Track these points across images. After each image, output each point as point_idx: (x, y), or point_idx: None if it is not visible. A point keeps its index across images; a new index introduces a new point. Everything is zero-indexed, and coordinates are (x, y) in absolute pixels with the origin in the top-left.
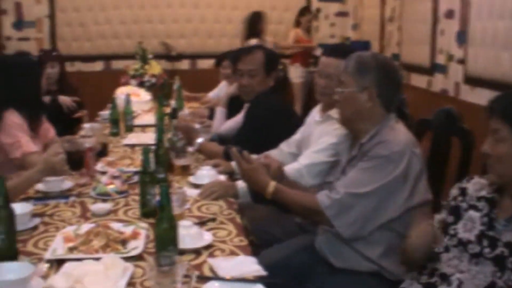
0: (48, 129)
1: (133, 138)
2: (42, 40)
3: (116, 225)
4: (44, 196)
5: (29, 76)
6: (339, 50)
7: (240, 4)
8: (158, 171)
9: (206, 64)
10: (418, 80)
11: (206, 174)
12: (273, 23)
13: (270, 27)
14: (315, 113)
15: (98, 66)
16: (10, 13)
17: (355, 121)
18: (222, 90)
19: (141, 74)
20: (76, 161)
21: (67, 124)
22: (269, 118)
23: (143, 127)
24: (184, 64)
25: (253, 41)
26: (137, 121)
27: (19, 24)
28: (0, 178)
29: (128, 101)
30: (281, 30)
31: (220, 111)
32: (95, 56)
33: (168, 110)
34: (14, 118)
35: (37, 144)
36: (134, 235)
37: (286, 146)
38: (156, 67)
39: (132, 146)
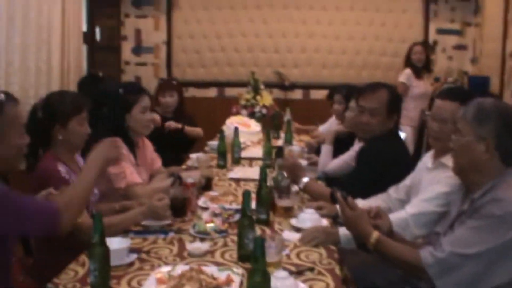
0: (155, 160)
1: (239, 171)
2: (158, 66)
3: (210, 269)
4: (143, 230)
5: (120, 107)
6: (456, 93)
7: (355, 35)
8: (259, 211)
9: (319, 94)
10: None
11: (308, 217)
12: (389, 56)
13: (385, 59)
14: (427, 159)
15: (212, 92)
16: (130, 39)
17: (469, 172)
18: (332, 125)
19: (252, 105)
20: (179, 208)
21: (176, 153)
22: (384, 163)
23: (251, 160)
24: (297, 94)
25: (405, 72)
26: (245, 153)
27: (138, 49)
28: (97, 214)
29: (236, 133)
30: (397, 63)
31: (326, 149)
32: (209, 82)
33: (277, 142)
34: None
35: (143, 174)
36: (228, 282)
37: (394, 192)
38: (267, 98)
39: (237, 180)
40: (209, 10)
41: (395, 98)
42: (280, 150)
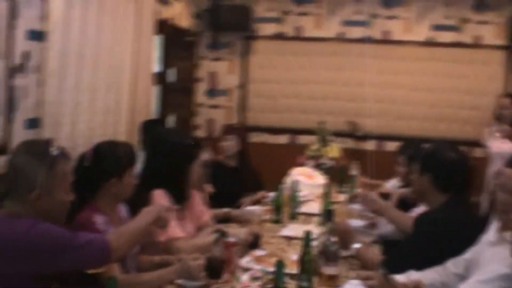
0: (203, 212)
1: (293, 229)
2: (231, 109)
3: None
4: None
5: (183, 159)
6: None
7: (433, 86)
8: (301, 278)
9: (393, 146)
10: None
11: None
12: (467, 109)
13: (463, 113)
14: (491, 232)
15: (283, 139)
16: (205, 81)
17: None
18: (395, 185)
19: (318, 156)
20: (215, 270)
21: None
22: (441, 234)
23: (308, 215)
24: (370, 145)
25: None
26: (304, 208)
27: (211, 92)
28: (112, 280)
29: (295, 187)
30: (476, 116)
31: None
32: (281, 128)
33: (340, 197)
34: (162, 201)
35: (187, 227)
36: None
37: (453, 265)
38: (335, 150)
39: (290, 238)
40: (285, 56)
41: (424, 157)
42: (329, 213)
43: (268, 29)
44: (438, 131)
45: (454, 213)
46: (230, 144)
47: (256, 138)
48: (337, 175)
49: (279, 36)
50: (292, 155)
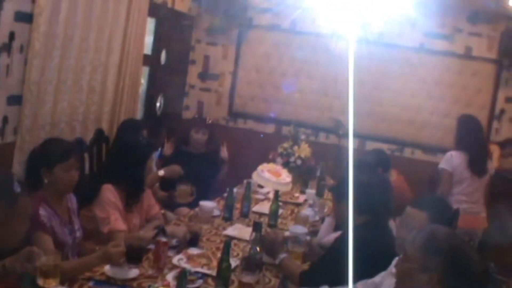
0: (153, 206)
1: (237, 229)
2: (221, 94)
3: None
4: (104, 281)
5: (134, 158)
6: (427, 202)
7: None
8: (217, 283)
9: (374, 146)
10: None
11: None
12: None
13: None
14: (394, 262)
15: (269, 128)
16: (198, 64)
17: None
18: None
19: (288, 154)
20: (135, 256)
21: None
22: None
23: (260, 215)
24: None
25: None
26: (258, 207)
27: (204, 75)
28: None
29: (249, 188)
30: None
31: (328, 222)
32: (267, 118)
33: (301, 198)
34: (109, 194)
35: (134, 220)
36: None
37: (362, 286)
38: (305, 150)
39: (231, 238)
40: (278, 48)
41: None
42: (257, 225)
43: (264, 19)
44: (421, 138)
45: (367, 235)
46: (202, 137)
47: (242, 125)
48: (302, 175)
49: (274, 28)
50: (276, 145)
